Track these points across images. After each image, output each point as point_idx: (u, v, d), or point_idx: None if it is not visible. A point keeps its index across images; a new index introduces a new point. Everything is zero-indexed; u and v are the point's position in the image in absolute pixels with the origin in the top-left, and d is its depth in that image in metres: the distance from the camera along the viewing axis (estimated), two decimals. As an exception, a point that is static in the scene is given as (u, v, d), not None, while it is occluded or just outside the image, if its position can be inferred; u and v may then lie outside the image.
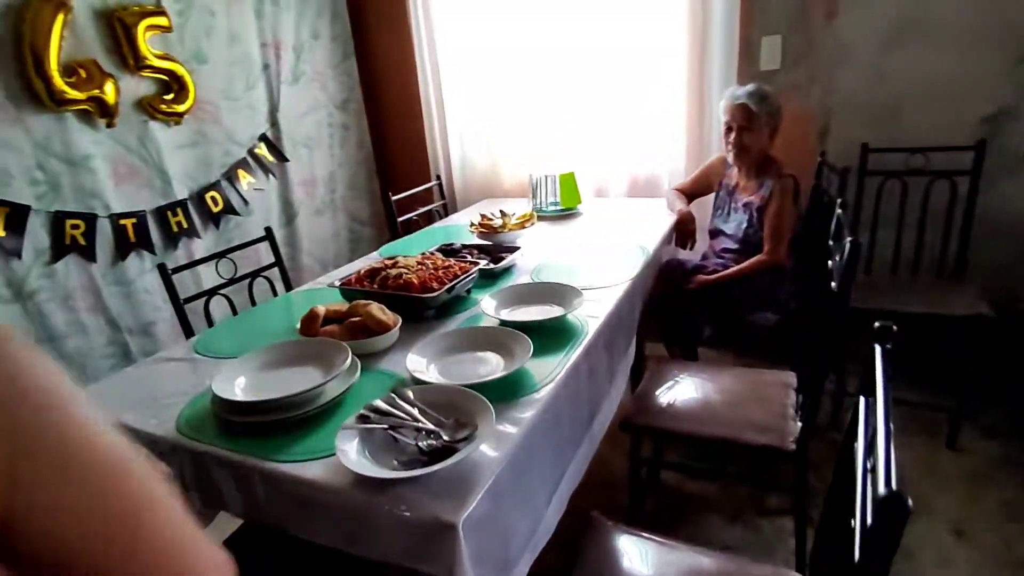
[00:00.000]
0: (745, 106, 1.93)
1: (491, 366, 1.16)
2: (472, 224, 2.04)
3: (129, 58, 2.07)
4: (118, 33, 2.04)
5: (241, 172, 2.54)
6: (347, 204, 3.14)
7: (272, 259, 1.97)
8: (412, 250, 1.97)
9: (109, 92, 2.01)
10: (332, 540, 0.92)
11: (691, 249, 2.20)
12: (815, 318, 1.67)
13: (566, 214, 2.36)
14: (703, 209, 2.29)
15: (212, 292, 1.73)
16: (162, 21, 2.16)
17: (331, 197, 3.04)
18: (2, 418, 0.33)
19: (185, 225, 2.33)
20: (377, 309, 1.31)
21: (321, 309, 1.36)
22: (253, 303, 1.82)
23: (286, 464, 0.93)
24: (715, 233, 2.19)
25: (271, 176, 2.68)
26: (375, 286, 1.50)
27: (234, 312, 1.74)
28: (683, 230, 2.16)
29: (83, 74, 1.96)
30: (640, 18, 2.44)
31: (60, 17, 1.88)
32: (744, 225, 2.03)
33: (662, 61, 2.45)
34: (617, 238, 1.98)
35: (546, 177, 2.37)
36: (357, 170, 3.19)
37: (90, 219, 2.03)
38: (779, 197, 1.94)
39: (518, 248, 1.83)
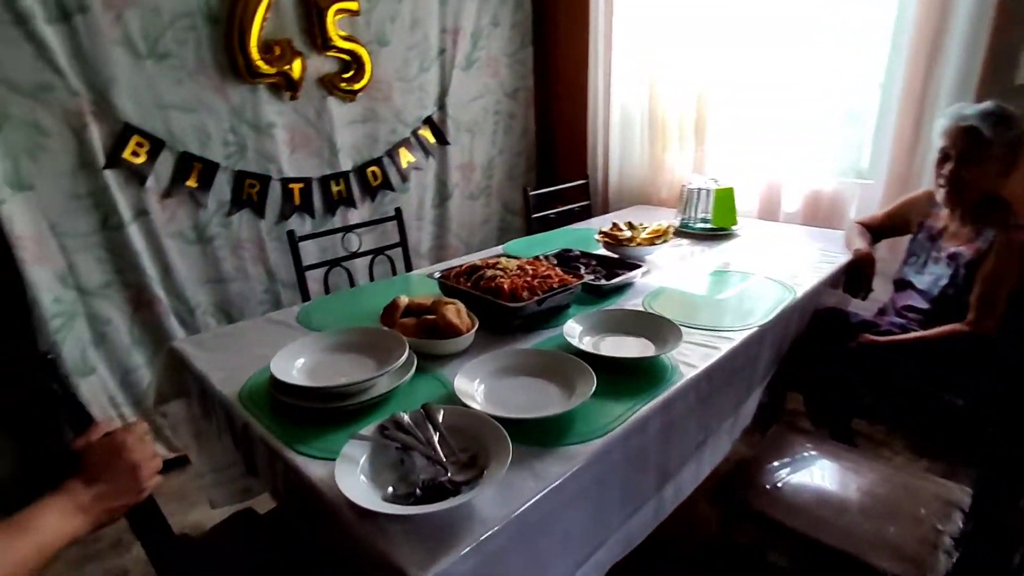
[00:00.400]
0: (974, 130, 1.48)
1: (542, 399, 1.03)
2: (600, 233, 1.88)
3: (318, 38, 2.27)
4: (312, 16, 2.24)
5: (403, 151, 2.66)
6: (502, 192, 3.15)
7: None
8: (532, 250, 1.88)
9: (296, 68, 2.22)
10: (320, 545, 0.89)
11: (864, 299, 1.79)
12: (1019, 412, 1.23)
13: (716, 234, 2.07)
14: (893, 252, 1.85)
15: (333, 263, 1.83)
16: (352, 5, 2.32)
17: (487, 183, 3.07)
18: None
19: (345, 195, 2.51)
20: (453, 311, 1.25)
21: (404, 300, 1.34)
22: (372, 279, 1.89)
23: (299, 456, 0.92)
24: (901, 285, 1.75)
25: (431, 157, 2.78)
26: (468, 284, 1.44)
27: (351, 285, 1.83)
28: (858, 274, 1.76)
29: (277, 51, 2.18)
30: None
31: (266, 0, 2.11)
32: (944, 282, 1.58)
33: (873, 52, 2.00)
34: (766, 271, 1.68)
35: (700, 190, 2.10)
36: (516, 160, 3.18)
37: (265, 180, 2.28)
38: (1001, 254, 1.46)
39: (640, 266, 1.64)
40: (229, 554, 1.09)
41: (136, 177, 2.00)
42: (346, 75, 2.39)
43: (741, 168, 2.42)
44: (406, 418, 0.92)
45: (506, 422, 0.91)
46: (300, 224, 2.42)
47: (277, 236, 2.37)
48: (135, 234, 2.03)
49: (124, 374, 2.10)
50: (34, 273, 1.83)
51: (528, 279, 1.41)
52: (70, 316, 1.94)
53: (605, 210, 2.82)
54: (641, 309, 1.45)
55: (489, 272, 1.45)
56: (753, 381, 1.40)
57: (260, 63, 2.12)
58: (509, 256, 1.64)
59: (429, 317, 1.26)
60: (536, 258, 1.68)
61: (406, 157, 2.68)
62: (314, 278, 1.81)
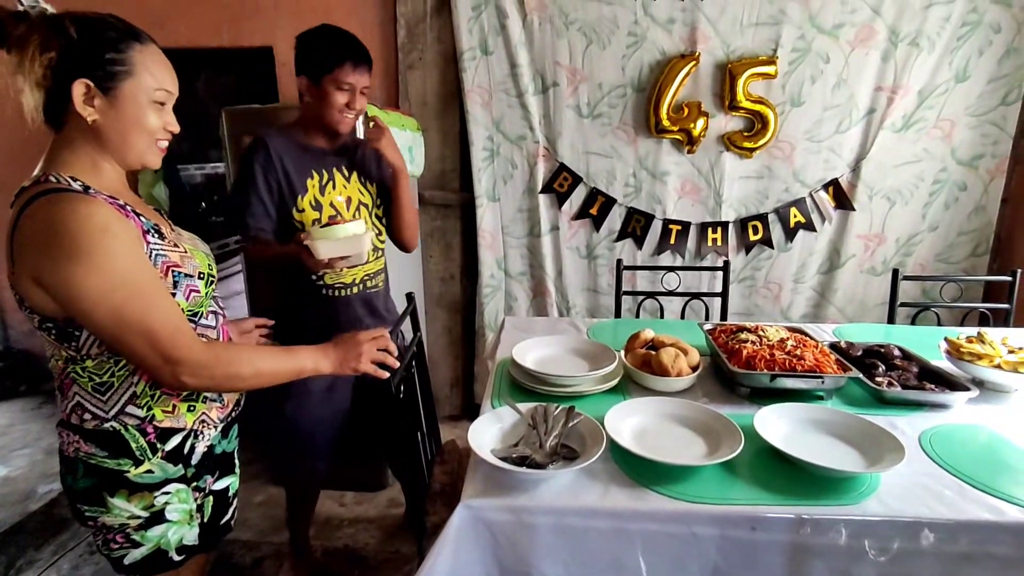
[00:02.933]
0: None
1: (674, 447, 1.08)
2: (947, 339, 1.49)
3: (726, 99, 2.49)
4: (725, 80, 2.48)
5: (794, 211, 2.60)
6: (924, 273, 2.63)
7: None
8: (857, 339, 1.68)
9: (698, 127, 2.51)
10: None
11: None
12: None
13: None
14: None
15: (648, 295, 2.07)
16: (769, 70, 2.44)
17: (901, 259, 2.63)
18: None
19: (719, 243, 2.67)
20: (671, 354, 1.36)
21: (649, 334, 1.51)
22: (682, 317, 2.04)
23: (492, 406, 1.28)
24: None
25: (827, 222, 2.60)
26: (720, 341, 1.48)
27: (661, 315, 2.04)
28: None
29: (685, 112, 2.53)
30: None
31: (688, 68, 2.47)
32: None
33: None
34: None
35: None
36: (957, 241, 2.58)
37: (649, 218, 2.67)
38: None
39: (968, 390, 1.28)
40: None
41: (558, 202, 2.71)
42: (747, 132, 2.53)
43: None
44: (554, 409, 1.17)
45: (621, 449, 1.05)
46: (671, 260, 2.73)
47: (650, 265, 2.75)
48: (547, 243, 2.76)
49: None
50: (483, 255, 2.77)
51: (777, 352, 1.35)
52: (495, 289, 2.84)
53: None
54: (898, 431, 1.18)
55: (744, 335, 1.45)
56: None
57: (666, 122, 2.51)
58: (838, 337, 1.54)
59: (651, 353, 1.41)
60: (834, 343, 1.53)
61: (795, 217, 2.61)
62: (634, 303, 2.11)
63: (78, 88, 0.86)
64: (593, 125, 2.62)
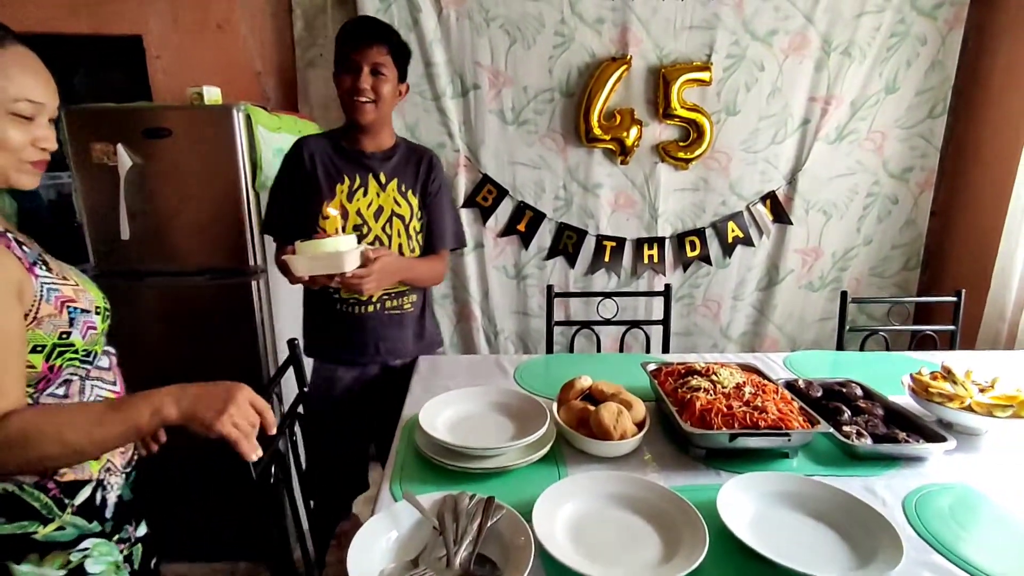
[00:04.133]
0: None
1: (620, 550, 0.83)
2: (911, 375, 1.34)
3: (660, 107, 2.32)
4: (659, 86, 2.31)
5: (731, 225, 2.47)
6: (858, 289, 2.56)
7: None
8: (814, 370, 1.52)
9: (632, 136, 2.32)
10: None
11: None
12: None
13: None
14: None
15: (583, 324, 1.85)
16: (704, 76, 2.29)
17: (837, 275, 2.55)
18: None
19: (655, 260, 2.49)
20: (612, 412, 1.12)
21: (586, 382, 1.26)
22: (621, 349, 1.83)
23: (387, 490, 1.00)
24: None
25: (764, 236, 2.49)
26: (669, 387, 1.27)
27: (598, 349, 1.81)
28: None
29: (617, 119, 2.33)
30: None
31: (619, 73, 2.28)
32: None
33: None
34: None
35: None
36: (891, 254, 2.53)
37: (582, 234, 2.46)
38: None
39: (944, 440, 1.11)
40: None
41: (482, 217, 2.45)
42: (682, 143, 2.37)
43: None
44: (468, 501, 0.89)
45: (551, 558, 0.79)
46: (606, 281, 2.52)
47: (583, 286, 2.53)
48: (471, 262, 2.49)
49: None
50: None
51: (735, 403, 1.14)
52: (414, 314, 2.53)
53: (997, 345, 1.98)
54: (871, 500, 0.99)
55: (696, 381, 1.24)
56: None
57: (597, 130, 2.31)
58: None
59: (590, 408, 1.17)
60: (791, 383, 1.35)
61: (733, 232, 2.47)
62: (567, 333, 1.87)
63: None
64: (519, 133, 2.38)
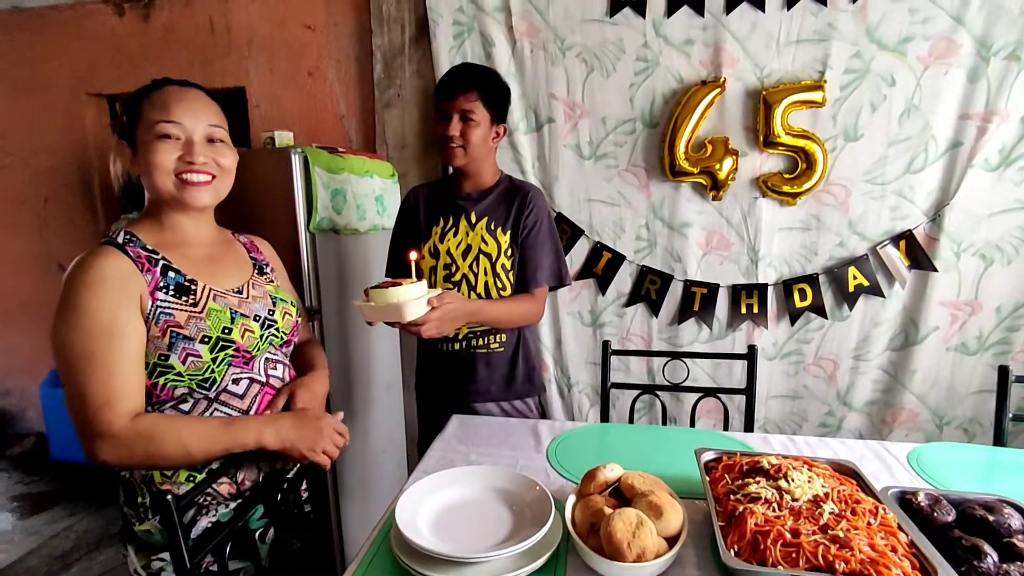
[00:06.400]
0: None
1: None
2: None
3: (761, 134, 2.00)
4: (759, 111, 2.00)
5: (853, 271, 2.04)
6: (1036, 354, 2.00)
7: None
8: (946, 474, 1.15)
9: (726, 168, 2.03)
10: None
11: None
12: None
13: None
14: None
15: (645, 389, 1.57)
16: (815, 97, 1.94)
17: (1004, 335, 2.00)
18: None
19: (756, 310, 2.13)
20: (630, 524, 0.87)
21: (615, 472, 1.02)
22: (692, 424, 1.53)
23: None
24: None
25: (897, 284, 2.03)
26: (719, 489, 0.98)
27: (663, 421, 1.53)
28: None
29: (708, 150, 2.05)
30: None
31: (711, 97, 2.01)
32: None
33: None
34: None
35: None
36: (1084, 311, 1.94)
37: (667, 279, 2.18)
38: None
39: None
40: None
41: (556, 258, 2.27)
42: (788, 175, 2.03)
43: None
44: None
45: None
46: (696, 332, 2.21)
47: (667, 337, 2.24)
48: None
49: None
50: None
51: (806, 525, 0.84)
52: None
53: None
54: None
55: (756, 486, 0.95)
56: None
57: (683, 162, 2.04)
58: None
59: (607, 512, 0.92)
60: (907, 496, 1.00)
61: (856, 279, 2.05)
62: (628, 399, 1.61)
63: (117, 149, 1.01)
64: (596, 167, 2.18)
